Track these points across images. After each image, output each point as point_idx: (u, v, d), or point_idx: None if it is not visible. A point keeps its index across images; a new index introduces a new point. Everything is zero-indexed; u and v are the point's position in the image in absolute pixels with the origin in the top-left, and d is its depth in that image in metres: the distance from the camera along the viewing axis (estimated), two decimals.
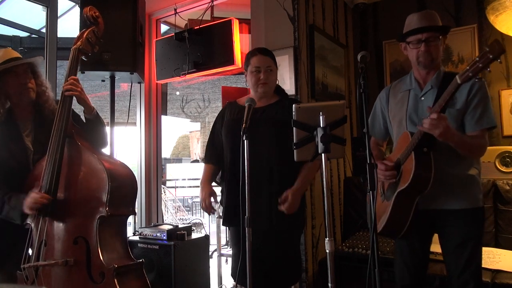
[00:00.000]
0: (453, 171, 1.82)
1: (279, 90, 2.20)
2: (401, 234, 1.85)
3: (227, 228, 2.23)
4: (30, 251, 1.83)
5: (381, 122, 2.11)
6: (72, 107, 2.01)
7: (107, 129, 2.13)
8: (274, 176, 2.00)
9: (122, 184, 1.88)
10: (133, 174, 2.01)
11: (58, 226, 1.82)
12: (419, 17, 1.85)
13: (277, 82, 2.17)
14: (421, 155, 1.72)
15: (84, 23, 2.09)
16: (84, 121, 2.03)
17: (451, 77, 1.79)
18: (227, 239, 4.65)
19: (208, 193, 2.09)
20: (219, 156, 2.17)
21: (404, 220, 1.81)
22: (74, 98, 1.94)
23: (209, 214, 2.21)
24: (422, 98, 1.89)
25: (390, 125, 2.06)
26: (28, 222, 1.84)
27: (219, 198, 2.18)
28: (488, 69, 1.46)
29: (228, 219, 2.08)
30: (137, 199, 3.73)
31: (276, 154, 2.00)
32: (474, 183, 1.85)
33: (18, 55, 2.01)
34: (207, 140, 2.28)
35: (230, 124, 2.11)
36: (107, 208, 1.76)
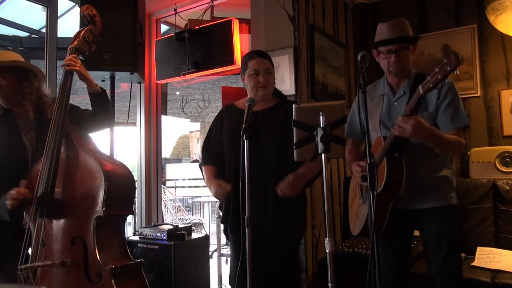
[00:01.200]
0: (423, 173, 1.87)
1: (277, 92, 2.18)
2: (379, 234, 1.87)
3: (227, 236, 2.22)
4: (30, 251, 1.83)
5: (358, 124, 2.11)
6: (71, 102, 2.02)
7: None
8: (277, 179, 1.98)
9: (119, 184, 1.86)
10: (131, 174, 1.99)
11: (56, 227, 1.82)
12: (389, 27, 1.87)
13: (275, 85, 2.15)
14: (393, 160, 1.76)
15: (84, 21, 2.09)
16: (84, 111, 2.04)
17: (421, 78, 1.84)
18: (227, 240, 4.65)
19: (217, 184, 2.03)
20: (217, 157, 2.15)
21: (381, 222, 1.84)
22: (71, 103, 1.94)
23: (228, 193, 2.06)
24: (395, 103, 1.92)
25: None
26: (27, 222, 1.84)
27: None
28: (456, 72, 1.46)
29: (233, 227, 2.04)
30: (137, 199, 3.74)
31: (278, 158, 1.99)
32: (446, 183, 1.90)
33: (8, 56, 1.97)
34: (203, 143, 2.25)
35: (231, 129, 2.07)
36: (103, 208, 1.74)
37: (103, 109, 2.04)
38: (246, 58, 2.11)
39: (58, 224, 1.82)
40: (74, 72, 1.94)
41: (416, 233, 2.06)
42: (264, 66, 2.05)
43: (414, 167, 1.81)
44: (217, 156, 2.16)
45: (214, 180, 2.08)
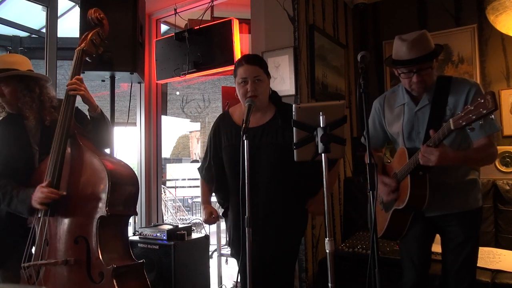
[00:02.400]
0: (450, 181, 1.86)
1: (275, 98, 2.08)
2: (400, 237, 1.97)
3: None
4: (33, 250, 1.84)
5: (379, 133, 2.12)
6: (80, 107, 2.02)
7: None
8: (275, 196, 1.96)
9: (123, 185, 1.88)
10: (135, 175, 2.01)
11: (60, 226, 1.83)
12: (409, 47, 1.76)
13: (269, 92, 2.05)
14: (416, 177, 1.77)
15: (88, 24, 2.08)
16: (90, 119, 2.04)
17: (444, 84, 1.81)
18: (227, 239, 4.65)
19: (209, 213, 2.09)
20: (214, 176, 2.12)
21: (401, 229, 1.92)
22: (83, 111, 1.97)
23: (212, 223, 2.23)
24: (418, 113, 1.89)
25: (390, 135, 2.08)
26: (32, 221, 1.85)
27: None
28: (492, 116, 1.47)
29: (236, 251, 2.04)
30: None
31: (278, 176, 1.95)
32: (474, 186, 1.89)
33: (7, 65, 1.96)
34: (204, 153, 2.22)
35: (231, 151, 2.02)
36: (107, 208, 1.75)
37: (104, 133, 2.03)
38: (236, 64, 2.01)
39: (62, 223, 1.83)
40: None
41: None
42: (253, 73, 1.92)
43: (441, 176, 1.82)
44: (214, 174, 2.12)
45: (206, 206, 2.13)
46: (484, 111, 1.41)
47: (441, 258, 1.96)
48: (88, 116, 2.04)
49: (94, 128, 2.00)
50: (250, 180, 1.71)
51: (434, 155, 1.62)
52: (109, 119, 2.92)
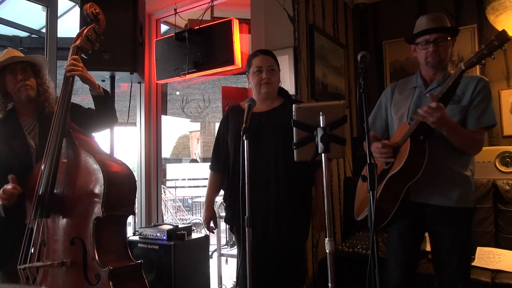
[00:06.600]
0: (450, 166, 1.85)
1: (283, 92, 2.17)
2: (384, 222, 1.90)
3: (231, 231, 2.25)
4: (33, 250, 1.83)
5: (383, 117, 2.13)
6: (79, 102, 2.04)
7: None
8: (280, 180, 1.98)
9: (119, 185, 1.85)
10: (132, 174, 1.98)
11: (57, 227, 1.81)
12: (428, 19, 1.88)
13: (279, 84, 2.15)
14: (416, 142, 1.76)
15: (84, 20, 2.09)
16: (87, 110, 2.06)
17: (456, 74, 1.83)
18: (227, 239, 4.65)
19: (209, 217, 2.20)
20: (225, 165, 2.16)
21: (390, 208, 1.85)
22: (73, 102, 1.95)
23: (210, 232, 2.32)
24: (427, 95, 1.89)
25: (391, 120, 2.07)
26: (29, 222, 1.84)
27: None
28: (493, 56, 1.54)
29: (230, 220, 2.14)
30: (137, 199, 3.74)
31: (282, 160, 1.98)
32: (467, 183, 1.87)
33: (20, 54, 2.03)
34: (213, 146, 2.27)
35: (236, 134, 2.07)
36: (102, 209, 1.72)
37: (107, 110, 2.06)
38: (250, 57, 2.13)
39: (58, 224, 1.82)
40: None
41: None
42: (268, 63, 2.05)
43: (442, 158, 1.82)
44: (225, 163, 2.16)
45: (208, 211, 2.21)
46: (496, 43, 1.48)
47: (433, 260, 1.95)
48: (86, 107, 2.06)
49: (98, 107, 2.02)
50: (253, 160, 1.75)
51: (438, 113, 1.63)
52: None
